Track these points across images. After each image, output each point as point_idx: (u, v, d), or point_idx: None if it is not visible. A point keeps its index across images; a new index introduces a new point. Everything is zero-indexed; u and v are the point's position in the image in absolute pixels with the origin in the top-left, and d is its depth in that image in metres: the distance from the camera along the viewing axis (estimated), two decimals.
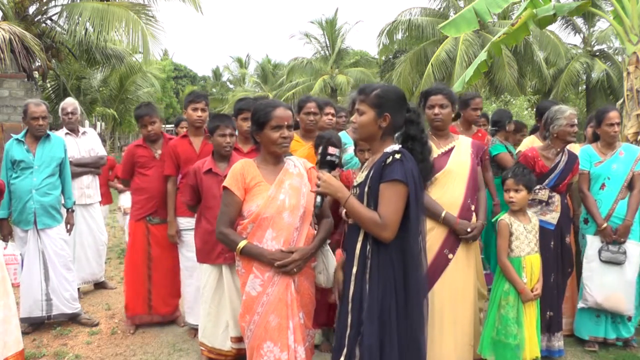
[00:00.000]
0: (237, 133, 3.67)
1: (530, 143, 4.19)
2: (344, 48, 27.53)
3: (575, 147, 4.32)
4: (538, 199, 3.59)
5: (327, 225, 2.61)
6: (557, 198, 3.62)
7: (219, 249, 3.31)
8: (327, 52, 27.24)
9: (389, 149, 2.22)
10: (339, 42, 26.80)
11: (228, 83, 43.22)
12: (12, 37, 8.72)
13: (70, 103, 5.14)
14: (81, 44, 12.10)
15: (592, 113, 5.03)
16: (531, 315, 3.22)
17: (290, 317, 2.43)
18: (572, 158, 3.67)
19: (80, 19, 11.10)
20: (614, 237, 3.70)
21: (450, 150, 3.20)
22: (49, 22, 12.33)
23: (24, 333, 3.77)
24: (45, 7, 12.06)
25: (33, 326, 4.19)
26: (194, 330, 3.99)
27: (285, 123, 2.49)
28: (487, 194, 4.17)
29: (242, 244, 2.45)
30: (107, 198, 6.36)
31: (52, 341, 4.01)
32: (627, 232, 3.71)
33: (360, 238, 2.25)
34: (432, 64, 16.46)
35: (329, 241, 2.65)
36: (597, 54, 20.25)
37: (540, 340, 3.37)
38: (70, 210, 4.41)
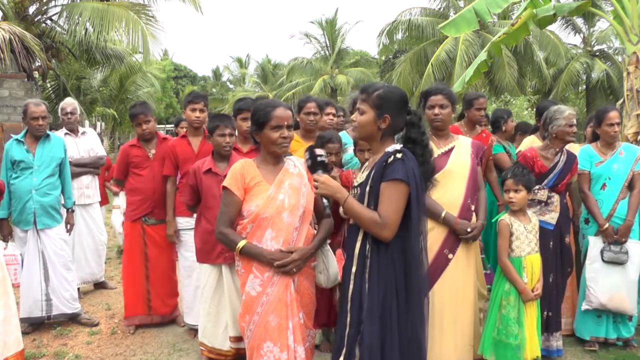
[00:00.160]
0: (236, 133, 3.67)
1: (531, 143, 4.19)
2: (344, 48, 27.53)
3: (575, 147, 4.32)
4: (537, 199, 3.59)
5: (327, 225, 2.61)
6: (556, 198, 3.62)
7: (219, 248, 3.31)
8: (327, 52, 27.25)
9: (391, 148, 2.22)
10: (339, 42, 26.80)
11: (228, 83, 43.22)
12: (12, 37, 8.72)
13: (69, 103, 5.14)
14: (81, 44, 12.10)
15: (592, 113, 5.03)
16: (532, 315, 3.22)
17: (290, 317, 2.43)
18: (571, 158, 3.66)
19: (80, 19, 11.10)
20: (616, 237, 3.70)
21: (450, 150, 3.20)
22: (49, 22, 12.33)
23: (24, 333, 3.77)
24: (45, 7, 12.06)
25: (33, 326, 4.19)
26: (193, 330, 3.99)
27: (285, 123, 2.49)
28: (490, 195, 4.18)
29: (241, 243, 2.45)
30: (103, 198, 6.25)
31: (52, 341, 4.01)
32: (629, 232, 3.72)
33: (360, 237, 2.25)
34: (432, 64, 16.46)
35: (329, 241, 2.65)
36: (597, 54, 20.25)
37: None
38: (70, 210, 4.41)
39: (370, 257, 2.21)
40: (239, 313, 2.57)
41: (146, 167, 4.21)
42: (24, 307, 4.08)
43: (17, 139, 4.19)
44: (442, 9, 18.72)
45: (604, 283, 3.68)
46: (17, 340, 3.20)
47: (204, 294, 3.47)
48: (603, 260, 3.69)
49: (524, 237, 3.25)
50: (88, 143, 5.16)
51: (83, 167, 5.01)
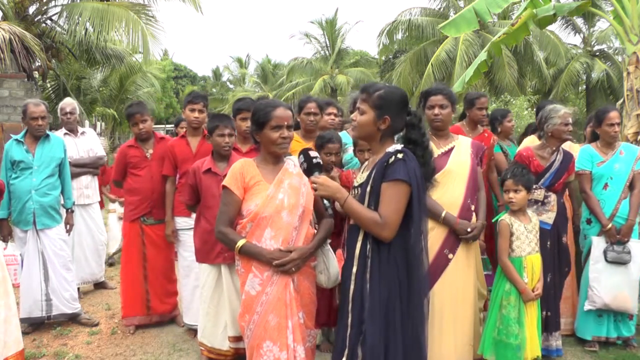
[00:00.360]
0: (235, 133, 3.67)
1: (531, 143, 4.19)
2: (344, 48, 27.54)
3: (575, 148, 4.32)
4: (534, 198, 3.58)
5: (327, 225, 2.61)
6: (552, 198, 3.61)
7: (218, 248, 3.31)
8: (327, 52, 27.25)
9: (391, 148, 2.22)
10: (339, 42, 26.81)
11: (228, 83, 43.20)
12: (12, 37, 8.72)
13: (68, 103, 5.13)
14: (81, 44, 12.11)
15: (591, 113, 5.03)
16: (532, 315, 3.22)
17: (290, 317, 2.43)
18: (568, 157, 3.66)
19: (80, 19, 11.11)
20: (618, 237, 3.70)
21: (450, 150, 3.20)
22: (49, 22, 12.34)
23: (24, 333, 3.77)
24: (45, 7, 12.06)
25: (33, 326, 4.18)
26: (193, 330, 3.99)
27: (285, 123, 2.49)
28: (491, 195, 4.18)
29: (240, 242, 2.45)
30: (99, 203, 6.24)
31: (52, 341, 4.01)
32: (630, 231, 3.72)
33: (360, 237, 2.25)
34: (432, 64, 16.47)
35: (329, 241, 2.65)
36: (597, 54, 20.26)
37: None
38: (69, 210, 4.41)
39: (371, 257, 2.20)
40: (239, 312, 2.58)
41: (144, 167, 4.21)
42: (24, 307, 4.08)
43: (16, 139, 4.19)
44: (442, 9, 18.73)
45: (607, 283, 3.67)
46: (17, 340, 3.20)
47: (203, 294, 3.47)
48: (606, 260, 3.69)
49: (524, 237, 3.25)
50: (87, 143, 5.15)
51: (82, 168, 5.00)
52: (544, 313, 3.51)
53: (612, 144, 3.86)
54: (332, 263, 2.57)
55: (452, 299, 3.03)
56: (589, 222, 3.85)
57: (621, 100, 5.16)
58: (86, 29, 11.41)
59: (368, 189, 2.23)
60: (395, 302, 2.15)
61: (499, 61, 15.69)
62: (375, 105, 2.23)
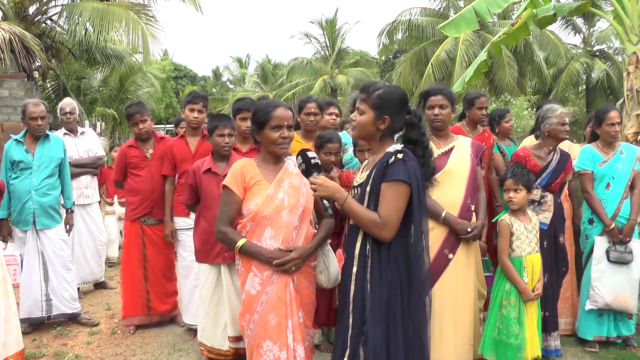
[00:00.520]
0: (235, 133, 3.67)
1: (530, 143, 4.19)
2: (344, 48, 27.54)
3: (575, 147, 4.32)
4: (530, 198, 3.57)
5: (327, 225, 2.61)
6: (549, 197, 3.61)
7: (218, 248, 3.31)
8: (327, 52, 27.26)
9: (391, 148, 2.21)
10: (339, 42, 26.82)
11: (228, 83, 43.19)
12: (12, 37, 8.73)
13: (68, 103, 5.13)
14: (81, 44, 12.11)
15: (591, 113, 5.04)
16: (532, 314, 3.22)
17: (289, 316, 2.43)
18: (565, 157, 3.66)
19: (80, 19, 11.11)
20: (620, 237, 3.70)
21: (450, 150, 3.20)
22: (49, 22, 12.34)
23: (24, 333, 3.77)
24: (45, 7, 12.07)
25: (33, 326, 4.18)
26: (193, 330, 3.99)
27: (286, 123, 2.49)
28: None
29: (240, 242, 2.45)
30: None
31: (52, 341, 4.01)
32: (632, 231, 3.73)
33: (360, 237, 2.25)
34: (432, 64, 16.48)
35: (329, 241, 2.65)
36: (597, 54, 20.27)
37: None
38: (69, 210, 4.41)
39: (371, 257, 2.20)
40: (239, 312, 2.58)
41: (144, 167, 4.21)
42: (24, 307, 4.08)
43: (16, 139, 4.19)
44: (442, 9, 18.74)
45: (609, 283, 3.68)
46: (17, 340, 3.20)
47: (203, 294, 3.47)
48: (609, 260, 3.69)
49: (524, 237, 3.25)
50: (87, 143, 5.15)
51: (82, 168, 5.00)
52: (542, 313, 3.51)
53: (613, 144, 3.87)
54: (332, 263, 2.57)
55: (452, 299, 3.03)
56: (590, 222, 3.85)
57: (621, 100, 5.16)
58: (86, 29, 11.41)
59: (368, 189, 2.22)
60: (396, 302, 2.14)
61: (499, 61, 15.70)
62: (375, 105, 2.23)
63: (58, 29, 12.16)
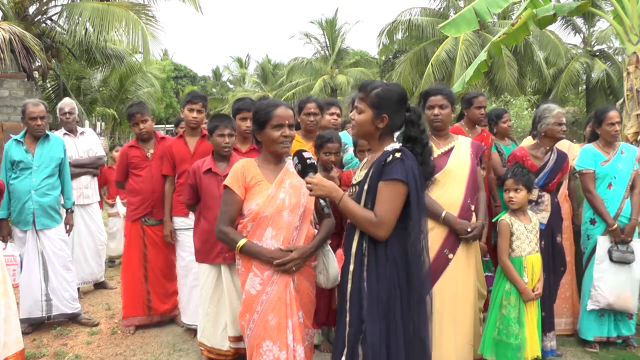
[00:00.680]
0: (235, 133, 3.67)
1: (530, 143, 4.19)
2: (344, 48, 27.54)
3: (575, 147, 4.32)
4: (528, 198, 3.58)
5: (327, 225, 2.60)
6: (546, 197, 3.61)
7: (218, 248, 3.31)
8: (327, 52, 27.26)
9: (390, 147, 2.21)
10: (339, 42, 26.82)
11: (228, 83, 43.17)
12: (12, 37, 8.73)
13: (67, 103, 5.13)
14: (81, 44, 12.12)
15: (591, 113, 5.03)
16: (532, 314, 3.22)
17: (289, 316, 2.43)
18: (562, 157, 3.66)
19: (80, 19, 11.11)
20: (622, 237, 3.70)
21: (450, 150, 3.20)
22: (49, 22, 12.35)
23: (24, 333, 3.77)
24: (45, 7, 12.07)
25: (33, 326, 4.18)
26: (193, 330, 3.99)
27: (286, 122, 2.49)
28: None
29: (241, 242, 2.45)
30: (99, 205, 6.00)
31: (52, 341, 4.01)
32: (633, 231, 3.73)
33: (357, 236, 2.25)
34: (432, 64, 16.49)
35: (329, 241, 2.65)
36: (597, 54, 20.27)
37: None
38: (69, 210, 4.41)
39: (367, 256, 2.20)
40: (239, 312, 2.58)
41: (145, 167, 4.22)
42: (24, 307, 4.08)
43: (16, 139, 4.19)
44: (442, 9, 18.75)
45: (612, 283, 3.67)
46: (17, 340, 3.20)
47: (203, 294, 3.47)
48: (612, 260, 3.69)
49: (524, 236, 3.25)
50: (87, 143, 5.15)
51: (82, 168, 5.00)
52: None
53: (613, 144, 3.87)
54: (331, 263, 2.57)
55: (452, 299, 3.03)
56: (592, 222, 3.84)
57: (621, 100, 5.17)
58: (86, 29, 11.41)
59: (365, 187, 2.23)
60: (396, 301, 2.14)
61: (499, 61, 15.71)
62: (373, 104, 2.22)
63: (58, 29, 12.17)
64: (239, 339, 3.25)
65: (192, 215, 3.76)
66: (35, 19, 11.93)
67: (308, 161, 2.32)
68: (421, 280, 2.20)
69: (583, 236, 3.94)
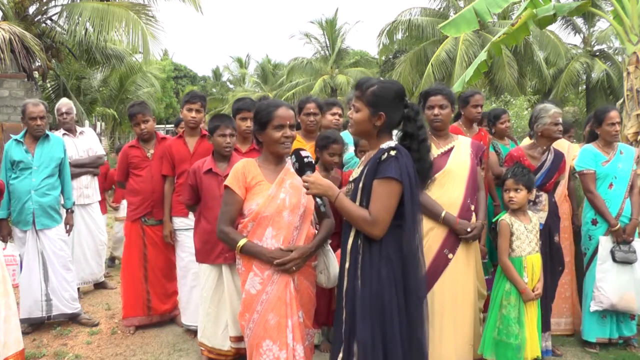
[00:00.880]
0: (236, 133, 3.66)
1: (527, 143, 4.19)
2: (344, 48, 27.53)
3: (575, 147, 4.32)
4: None
5: (328, 225, 2.61)
6: (544, 197, 3.61)
7: (219, 249, 3.31)
8: (327, 52, 27.25)
9: (385, 145, 2.21)
10: (339, 42, 26.80)
11: (228, 83, 43.14)
12: (12, 37, 8.73)
13: (64, 103, 5.13)
14: (81, 44, 12.11)
15: (591, 113, 5.03)
16: (532, 314, 3.22)
17: (289, 316, 2.44)
18: (559, 157, 3.66)
19: (80, 19, 11.11)
20: (624, 237, 3.70)
21: (450, 150, 3.20)
22: (49, 22, 12.34)
23: (24, 333, 3.77)
24: (45, 7, 12.07)
25: (33, 326, 4.18)
26: (193, 330, 3.99)
27: (288, 123, 2.49)
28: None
29: (242, 242, 2.45)
30: (102, 207, 5.87)
31: (52, 341, 4.01)
32: (634, 230, 3.73)
33: (352, 234, 2.26)
34: (432, 64, 16.48)
35: (330, 241, 2.65)
36: (597, 54, 20.26)
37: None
38: (69, 210, 4.40)
39: (362, 253, 2.21)
40: (239, 311, 2.58)
41: (145, 168, 4.22)
42: (24, 307, 4.08)
43: (16, 139, 4.19)
44: (442, 9, 18.74)
45: (615, 283, 3.67)
46: (17, 340, 3.20)
47: (204, 294, 3.47)
48: (615, 260, 3.68)
49: (524, 236, 3.25)
50: (87, 143, 5.15)
51: (82, 168, 5.00)
52: None
53: (612, 144, 3.87)
54: (332, 263, 2.58)
55: (452, 299, 3.03)
56: (594, 222, 3.83)
57: (621, 100, 5.16)
58: (86, 29, 11.41)
59: (360, 185, 2.23)
60: (392, 300, 2.14)
61: (499, 61, 15.70)
62: (369, 102, 2.22)
63: (58, 29, 12.16)
64: (240, 339, 3.25)
65: (191, 216, 3.76)
66: (35, 19, 11.93)
67: (305, 160, 2.33)
68: (417, 279, 2.20)
69: (584, 237, 3.93)
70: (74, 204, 4.50)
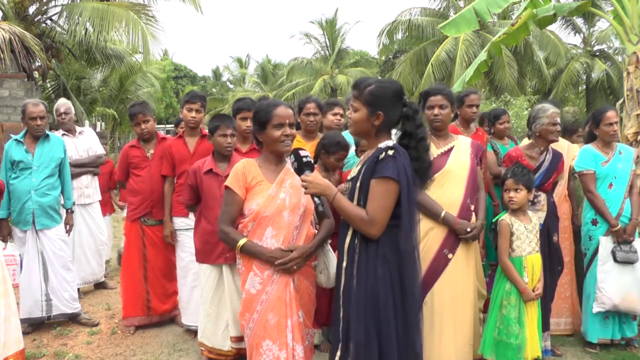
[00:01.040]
0: (236, 133, 3.66)
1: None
2: (344, 48, 27.53)
3: (574, 148, 4.32)
4: None
5: (327, 225, 2.61)
6: (542, 197, 3.60)
7: (219, 249, 3.31)
8: (327, 52, 27.25)
9: (383, 144, 2.22)
10: (339, 42, 26.80)
11: (228, 83, 43.14)
12: (12, 37, 8.72)
13: (62, 104, 5.13)
14: (81, 44, 12.10)
15: (590, 114, 5.02)
16: (532, 314, 3.22)
17: (289, 316, 2.44)
18: (557, 156, 3.66)
19: (80, 19, 11.10)
20: (625, 237, 3.70)
21: (450, 150, 3.20)
22: (49, 22, 12.34)
23: (24, 333, 3.76)
24: (45, 7, 12.06)
25: (33, 326, 4.19)
26: (193, 330, 3.99)
27: (287, 121, 2.50)
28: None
29: (242, 242, 2.46)
30: (109, 207, 5.96)
31: (52, 341, 4.01)
32: (635, 230, 3.73)
33: (350, 232, 2.26)
34: (432, 64, 16.47)
35: (330, 241, 2.65)
36: (597, 54, 20.25)
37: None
38: (69, 210, 4.40)
39: (358, 252, 2.21)
40: (239, 311, 2.59)
41: (144, 168, 4.22)
42: (24, 307, 4.08)
43: (16, 139, 4.19)
44: (442, 9, 18.73)
45: (617, 284, 3.66)
46: (17, 340, 3.20)
47: (204, 294, 3.47)
48: (616, 260, 3.67)
49: (524, 236, 3.25)
50: (86, 142, 5.15)
51: (82, 167, 5.00)
52: None
53: (611, 144, 3.87)
54: (332, 263, 2.58)
55: (452, 299, 3.03)
56: (594, 222, 3.83)
57: (621, 100, 5.15)
58: (86, 29, 11.40)
59: (358, 184, 2.24)
60: (387, 299, 2.14)
61: (499, 61, 15.69)
62: (367, 102, 2.22)
63: (58, 29, 12.15)
64: (241, 339, 3.24)
65: (192, 216, 3.76)
66: (35, 19, 11.92)
67: (304, 159, 2.33)
68: (413, 280, 2.21)
69: (584, 237, 3.93)
70: (74, 204, 4.50)
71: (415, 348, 2.21)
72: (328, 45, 27.18)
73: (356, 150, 3.71)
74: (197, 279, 3.78)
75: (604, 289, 3.68)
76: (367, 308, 2.15)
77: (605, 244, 3.74)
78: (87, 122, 14.45)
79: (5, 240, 4.21)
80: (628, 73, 5.03)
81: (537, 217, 3.43)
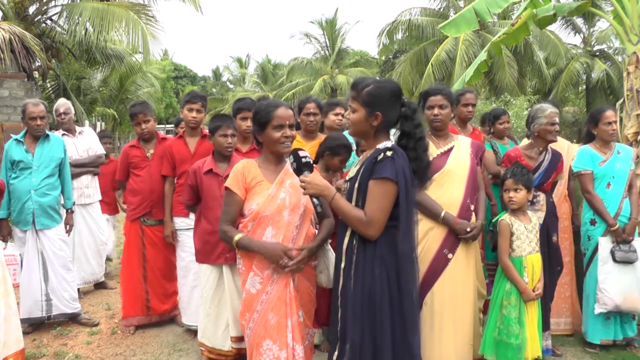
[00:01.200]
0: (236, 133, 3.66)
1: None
2: (344, 48, 27.55)
3: (574, 147, 4.32)
4: None
5: (328, 225, 2.61)
6: (542, 197, 3.60)
7: (220, 249, 3.31)
8: (327, 52, 27.26)
9: (382, 145, 2.22)
10: (338, 42, 26.83)
11: (228, 83, 43.16)
12: (12, 37, 8.72)
13: (62, 104, 5.13)
14: (81, 44, 12.11)
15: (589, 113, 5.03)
16: (532, 314, 3.22)
17: (289, 316, 2.44)
18: (556, 157, 3.66)
19: (80, 19, 11.11)
20: (624, 236, 3.70)
21: (450, 150, 3.20)
22: (49, 22, 12.34)
23: (24, 333, 3.76)
24: (45, 7, 12.06)
25: (33, 326, 4.19)
26: (193, 330, 3.99)
27: (287, 122, 2.50)
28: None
29: (237, 236, 2.46)
30: (113, 207, 5.94)
31: (52, 341, 4.01)
32: (634, 230, 3.73)
33: (348, 233, 2.26)
34: (432, 64, 16.48)
35: (330, 241, 2.66)
36: (597, 54, 20.26)
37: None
38: (69, 210, 4.40)
39: (356, 253, 2.21)
40: (239, 311, 2.59)
41: (144, 167, 4.22)
42: (24, 307, 4.08)
43: (16, 139, 4.19)
44: (442, 9, 18.74)
45: (618, 284, 3.65)
46: (17, 340, 3.20)
47: (204, 294, 3.47)
48: (615, 260, 3.67)
49: (524, 236, 3.25)
50: (86, 142, 5.15)
51: (82, 167, 5.00)
52: None
53: (609, 144, 3.87)
54: (332, 263, 2.57)
55: (452, 299, 3.02)
56: (593, 222, 3.83)
57: (621, 100, 5.15)
58: (86, 29, 11.41)
59: (356, 185, 2.23)
60: (383, 300, 2.14)
61: (499, 61, 15.70)
62: (365, 102, 2.22)
63: (58, 29, 12.16)
64: (241, 339, 3.24)
65: (192, 216, 3.76)
66: (35, 19, 11.93)
67: (303, 160, 2.33)
68: (411, 281, 2.20)
69: (583, 237, 3.92)
70: (74, 204, 4.50)
71: (412, 349, 2.20)
72: (328, 45, 27.21)
73: (357, 151, 3.71)
74: (197, 279, 3.78)
75: (605, 289, 3.67)
76: (363, 308, 2.15)
77: (605, 244, 3.74)
78: (87, 122, 14.45)
79: (5, 240, 4.21)
80: (628, 73, 5.03)
81: (536, 217, 3.43)
